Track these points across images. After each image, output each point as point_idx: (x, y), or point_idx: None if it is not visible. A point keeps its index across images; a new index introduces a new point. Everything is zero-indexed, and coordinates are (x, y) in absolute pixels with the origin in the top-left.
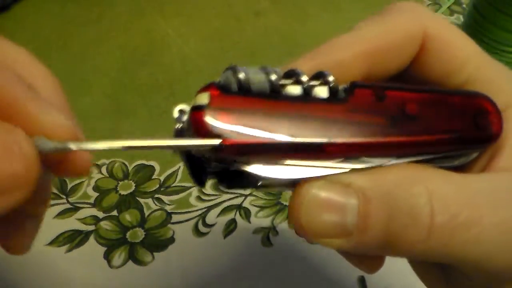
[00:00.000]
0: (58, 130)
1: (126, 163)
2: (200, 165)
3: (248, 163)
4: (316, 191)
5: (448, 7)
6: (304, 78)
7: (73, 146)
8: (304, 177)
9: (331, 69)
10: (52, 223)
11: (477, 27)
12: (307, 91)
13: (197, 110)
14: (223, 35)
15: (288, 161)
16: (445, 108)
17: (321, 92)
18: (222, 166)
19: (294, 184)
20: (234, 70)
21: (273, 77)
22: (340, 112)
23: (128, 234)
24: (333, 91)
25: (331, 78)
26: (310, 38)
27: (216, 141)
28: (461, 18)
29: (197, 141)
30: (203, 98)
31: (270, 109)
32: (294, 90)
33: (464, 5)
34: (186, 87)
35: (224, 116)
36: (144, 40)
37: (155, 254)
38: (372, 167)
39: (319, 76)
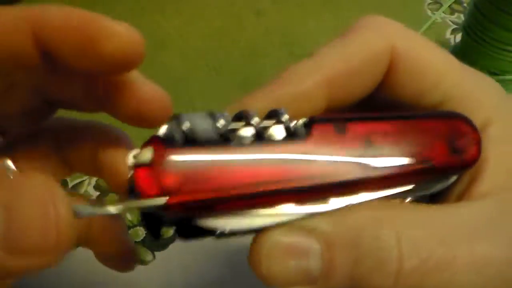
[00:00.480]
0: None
1: None
2: (155, 216)
3: (201, 216)
4: (278, 238)
5: (449, 6)
6: (255, 120)
7: (112, 209)
8: (265, 225)
9: (291, 102)
10: None
11: (478, 26)
12: (260, 133)
13: (139, 168)
14: (224, 34)
15: (246, 211)
16: (415, 135)
17: (277, 132)
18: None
19: (258, 230)
20: (177, 120)
21: (220, 122)
22: (299, 152)
23: (129, 233)
24: (289, 130)
25: (285, 117)
26: (310, 38)
27: (161, 201)
28: (462, 17)
29: (140, 202)
30: (146, 155)
31: (220, 158)
32: (246, 133)
33: (465, 4)
34: (186, 87)
35: (169, 173)
36: (145, 39)
37: (156, 253)
38: (338, 209)
39: (273, 115)
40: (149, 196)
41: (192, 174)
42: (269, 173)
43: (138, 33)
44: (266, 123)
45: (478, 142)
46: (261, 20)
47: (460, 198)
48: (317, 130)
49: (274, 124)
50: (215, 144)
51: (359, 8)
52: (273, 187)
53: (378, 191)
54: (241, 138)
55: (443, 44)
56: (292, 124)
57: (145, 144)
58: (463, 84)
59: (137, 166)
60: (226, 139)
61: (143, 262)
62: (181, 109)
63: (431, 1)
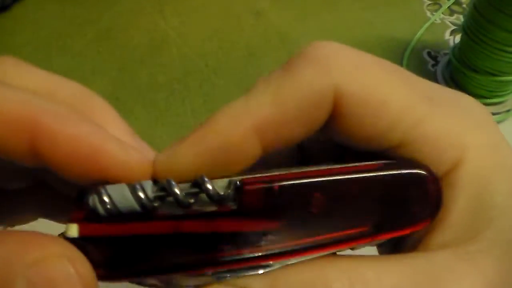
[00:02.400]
0: (143, 169)
1: None
2: None
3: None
4: None
5: (448, 7)
6: (178, 190)
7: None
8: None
9: (219, 154)
10: (53, 224)
11: (477, 27)
12: (184, 204)
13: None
14: (223, 35)
15: (177, 279)
16: (362, 191)
17: (202, 203)
18: None
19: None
20: (98, 193)
21: (141, 194)
22: (228, 223)
23: None
24: (216, 199)
25: (209, 186)
26: (309, 38)
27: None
28: (461, 18)
29: None
30: (72, 231)
31: (143, 233)
32: (170, 205)
33: (464, 5)
34: (186, 87)
35: (94, 250)
36: (144, 40)
37: None
38: (275, 269)
39: (197, 185)
40: None
41: (115, 251)
42: (193, 248)
43: (144, 155)
44: (191, 190)
45: (438, 195)
46: (260, 21)
47: (416, 244)
48: (247, 196)
49: (199, 193)
50: (137, 218)
51: (358, 8)
52: (196, 262)
53: (312, 255)
54: (166, 210)
55: (443, 45)
56: (220, 192)
57: (72, 217)
58: (428, 121)
59: (66, 238)
60: (148, 212)
61: None
62: (180, 110)
63: (430, 2)
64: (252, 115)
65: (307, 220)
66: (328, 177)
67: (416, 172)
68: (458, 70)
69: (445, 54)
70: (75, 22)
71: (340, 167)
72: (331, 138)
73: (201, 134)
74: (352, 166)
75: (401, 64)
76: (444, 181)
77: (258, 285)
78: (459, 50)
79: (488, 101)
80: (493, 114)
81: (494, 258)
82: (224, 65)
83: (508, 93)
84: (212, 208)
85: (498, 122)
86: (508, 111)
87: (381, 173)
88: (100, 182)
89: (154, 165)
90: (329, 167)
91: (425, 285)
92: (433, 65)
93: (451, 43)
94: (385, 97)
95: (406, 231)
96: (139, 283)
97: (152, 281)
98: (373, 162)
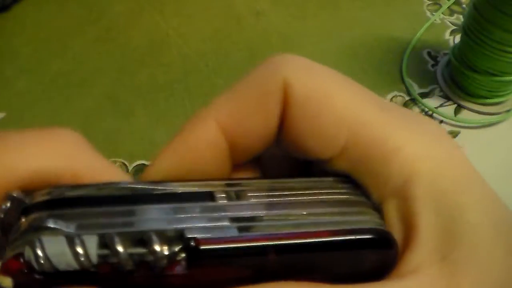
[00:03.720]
0: None
1: (126, 163)
2: None
3: None
4: None
5: (448, 7)
6: (121, 248)
7: None
8: None
9: (190, 162)
10: None
11: (477, 27)
12: (130, 264)
13: None
14: (223, 35)
15: None
16: (316, 254)
17: (152, 262)
18: None
19: None
20: (33, 245)
21: (81, 251)
22: (179, 282)
23: None
24: (162, 265)
25: (157, 248)
26: (309, 38)
27: None
28: (461, 18)
29: None
30: (6, 283)
31: None
32: (116, 263)
33: (464, 5)
34: (186, 87)
35: None
36: (144, 40)
37: None
38: None
39: (143, 242)
40: None
41: None
42: None
43: None
44: (135, 252)
45: (390, 265)
46: (260, 21)
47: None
48: (201, 261)
49: (146, 254)
50: (74, 277)
51: (358, 8)
52: None
53: None
54: (109, 269)
55: (443, 45)
56: (169, 251)
57: (5, 268)
58: (375, 124)
59: None
60: (88, 271)
61: None
62: (180, 110)
63: (430, 2)
64: (213, 111)
65: (256, 279)
66: (288, 241)
67: (377, 238)
68: (458, 70)
69: (445, 54)
70: (75, 22)
71: (302, 230)
72: (286, 152)
73: (172, 144)
74: (314, 232)
75: (401, 64)
76: (403, 198)
77: None
78: (459, 50)
79: (488, 101)
80: (493, 114)
81: (471, 280)
82: (224, 65)
83: (508, 93)
84: (162, 266)
85: (498, 122)
86: (508, 111)
87: (343, 238)
88: (37, 229)
89: (143, 177)
90: (285, 229)
91: None
92: (433, 65)
93: (451, 43)
94: (329, 93)
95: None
96: None
97: None
98: (335, 227)
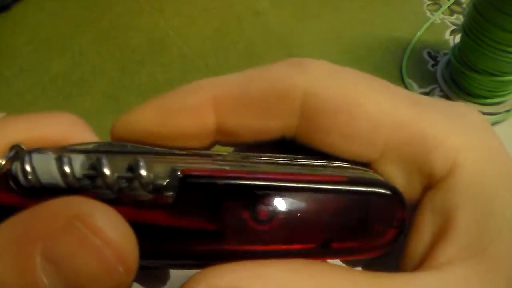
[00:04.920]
0: None
1: None
2: None
3: None
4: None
5: (448, 7)
6: (109, 171)
7: None
8: None
9: (174, 115)
10: None
11: (477, 27)
12: (113, 188)
13: None
14: (223, 35)
15: None
16: (317, 205)
17: (138, 190)
18: None
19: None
20: (22, 159)
21: (67, 169)
22: (161, 215)
23: None
24: (150, 189)
25: (143, 172)
26: (309, 39)
27: None
28: (461, 18)
29: None
30: None
31: None
32: (101, 188)
33: (464, 5)
34: None
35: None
36: (144, 40)
37: None
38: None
39: (131, 169)
40: None
41: None
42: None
43: None
44: (123, 175)
45: (397, 224)
46: (260, 21)
47: (419, 264)
48: (187, 191)
49: (132, 179)
50: (62, 194)
51: (358, 8)
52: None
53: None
54: (94, 190)
55: (443, 45)
56: (157, 180)
57: None
58: (413, 123)
59: None
60: (74, 190)
61: None
62: None
63: (430, 2)
64: (214, 86)
65: (248, 227)
66: (283, 183)
67: (380, 192)
68: (458, 70)
69: (445, 54)
70: (75, 22)
71: (301, 173)
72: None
73: (162, 95)
74: (310, 175)
75: (401, 64)
76: (441, 189)
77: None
78: (459, 50)
79: (488, 101)
80: (493, 114)
81: (506, 277)
82: (224, 65)
83: (508, 93)
84: (146, 196)
85: (498, 122)
86: (508, 111)
87: (343, 188)
88: (31, 149)
89: (114, 124)
90: (285, 170)
91: None
92: (433, 65)
93: (451, 43)
94: (360, 99)
95: (360, 257)
96: None
97: None
98: (338, 172)
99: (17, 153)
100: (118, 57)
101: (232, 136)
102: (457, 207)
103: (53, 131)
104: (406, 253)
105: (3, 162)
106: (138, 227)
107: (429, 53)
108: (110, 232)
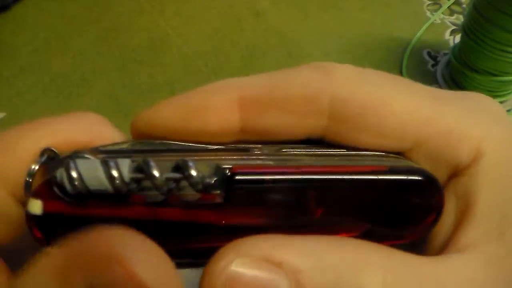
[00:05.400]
0: None
1: None
2: None
3: None
4: (234, 271)
5: (448, 7)
6: (158, 173)
7: None
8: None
9: (200, 112)
10: None
11: (477, 27)
12: (163, 191)
13: (30, 219)
14: (223, 35)
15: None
16: (360, 195)
17: (188, 188)
18: None
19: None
20: (66, 166)
21: (115, 173)
22: (211, 214)
23: None
24: (200, 188)
25: (193, 172)
26: (309, 39)
27: None
28: (461, 18)
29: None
30: (35, 207)
31: (115, 217)
32: (147, 188)
33: (464, 5)
34: (186, 87)
35: (59, 230)
36: (144, 40)
37: None
38: (305, 239)
39: (179, 169)
40: (44, 246)
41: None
42: (169, 239)
43: None
44: (170, 176)
45: (439, 201)
46: (260, 21)
47: (443, 247)
48: (236, 189)
49: (181, 179)
50: (108, 199)
51: (358, 8)
52: (172, 253)
53: None
54: (144, 194)
55: (443, 45)
56: (205, 179)
57: (36, 192)
58: (438, 118)
59: (27, 215)
60: (122, 195)
61: None
62: None
63: (430, 2)
64: (240, 87)
65: (295, 218)
66: (328, 175)
67: (421, 180)
68: (458, 70)
69: (445, 54)
70: (75, 22)
71: (342, 165)
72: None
73: (186, 93)
74: (354, 166)
75: (401, 64)
76: (465, 175)
77: (293, 258)
78: (459, 50)
79: None
80: None
81: None
82: (224, 65)
83: (508, 93)
84: (195, 195)
85: None
86: (508, 111)
87: (386, 177)
88: (72, 154)
89: (135, 119)
90: (327, 162)
91: None
92: (433, 65)
93: (451, 43)
94: (387, 100)
95: (400, 241)
96: None
97: None
98: (377, 163)
99: (50, 157)
100: (118, 57)
101: (256, 135)
102: (479, 192)
103: (81, 132)
104: (431, 236)
105: (36, 167)
106: (187, 227)
107: (429, 53)
108: (149, 280)
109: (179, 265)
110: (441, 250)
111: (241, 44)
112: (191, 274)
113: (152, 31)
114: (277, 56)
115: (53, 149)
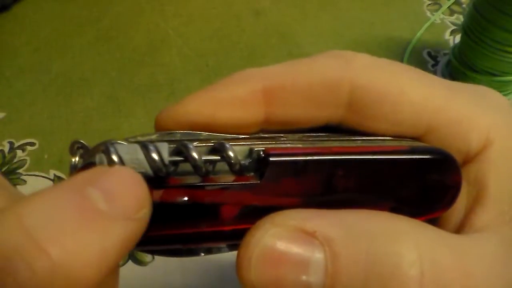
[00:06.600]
0: None
1: None
2: None
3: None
4: (270, 241)
5: (448, 7)
6: (197, 155)
7: None
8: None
9: (224, 106)
10: None
11: (477, 27)
12: (202, 172)
13: None
14: (223, 35)
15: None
16: (386, 173)
17: (223, 171)
18: None
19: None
20: (106, 150)
21: (156, 156)
22: (248, 195)
23: None
24: (237, 169)
25: (231, 153)
26: (309, 38)
27: None
28: (461, 18)
29: None
30: None
31: (155, 200)
32: (185, 171)
33: (464, 5)
34: (186, 87)
35: None
36: (144, 40)
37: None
38: (336, 211)
39: (217, 151)
40: None
41: None
42: (209, 220)
43: None
44: (209, 158)
45: (457, 180)
46: (260, 21)
47: (457, 231)
48: (271, 169)
49: (218, 161)
50: (148, 182)
51: (358, 8)
52: (212, 235)
53: None
54: (182, 176)
55: (443, 45)
56: (242, 161)
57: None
58: (449, 106)
59: None
60: (162, 177)
61: (142, 263)
62: None
63: (430, 2)
64: (263, 77)
65: (325, 197)
66: (355, 155)
67: (440, 158)
68: (458, 70)
69: (445, 54)
70: (75, 22)
71: (367, 146)
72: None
73: (212, 85)
74: (378, 146)
75: None
76: (476, 162)
77: (328, 229)
78: (459, 50)
79: None
80: None
81: None
82: (224, 65)
83: (508, 93)
84: (230, 177)
85: None
86: None
87: (408, 157)
88: (108, 140)
89: (160, 114)
90: (352, 144)
91: (492, 265)
92: (433, 65)
93: (451, 43)
94: (403, 88)
95: (422, 218)
96: (151, 252)
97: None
98: (398, 144)
99: (81, 148)
100: (118, 57)
101: (279, 125)
102: (490, 178)
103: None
104: (443, 221)
105: (77, 159)
106: (221, 209)
107: (429, 53)
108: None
109: (207, 251)
110: (454, 233)
111: (241, 44)
112: (204, 263)
113: (152, 31)
114: (277, 56)
115: (81, 141)
